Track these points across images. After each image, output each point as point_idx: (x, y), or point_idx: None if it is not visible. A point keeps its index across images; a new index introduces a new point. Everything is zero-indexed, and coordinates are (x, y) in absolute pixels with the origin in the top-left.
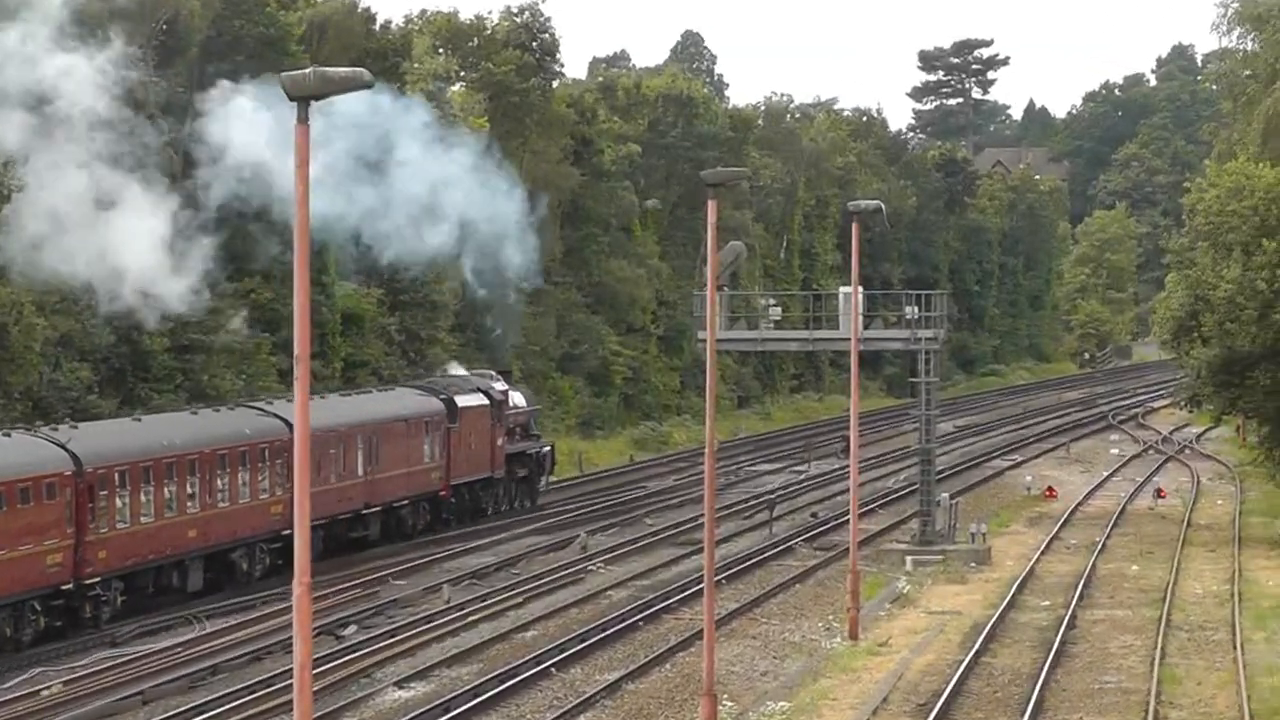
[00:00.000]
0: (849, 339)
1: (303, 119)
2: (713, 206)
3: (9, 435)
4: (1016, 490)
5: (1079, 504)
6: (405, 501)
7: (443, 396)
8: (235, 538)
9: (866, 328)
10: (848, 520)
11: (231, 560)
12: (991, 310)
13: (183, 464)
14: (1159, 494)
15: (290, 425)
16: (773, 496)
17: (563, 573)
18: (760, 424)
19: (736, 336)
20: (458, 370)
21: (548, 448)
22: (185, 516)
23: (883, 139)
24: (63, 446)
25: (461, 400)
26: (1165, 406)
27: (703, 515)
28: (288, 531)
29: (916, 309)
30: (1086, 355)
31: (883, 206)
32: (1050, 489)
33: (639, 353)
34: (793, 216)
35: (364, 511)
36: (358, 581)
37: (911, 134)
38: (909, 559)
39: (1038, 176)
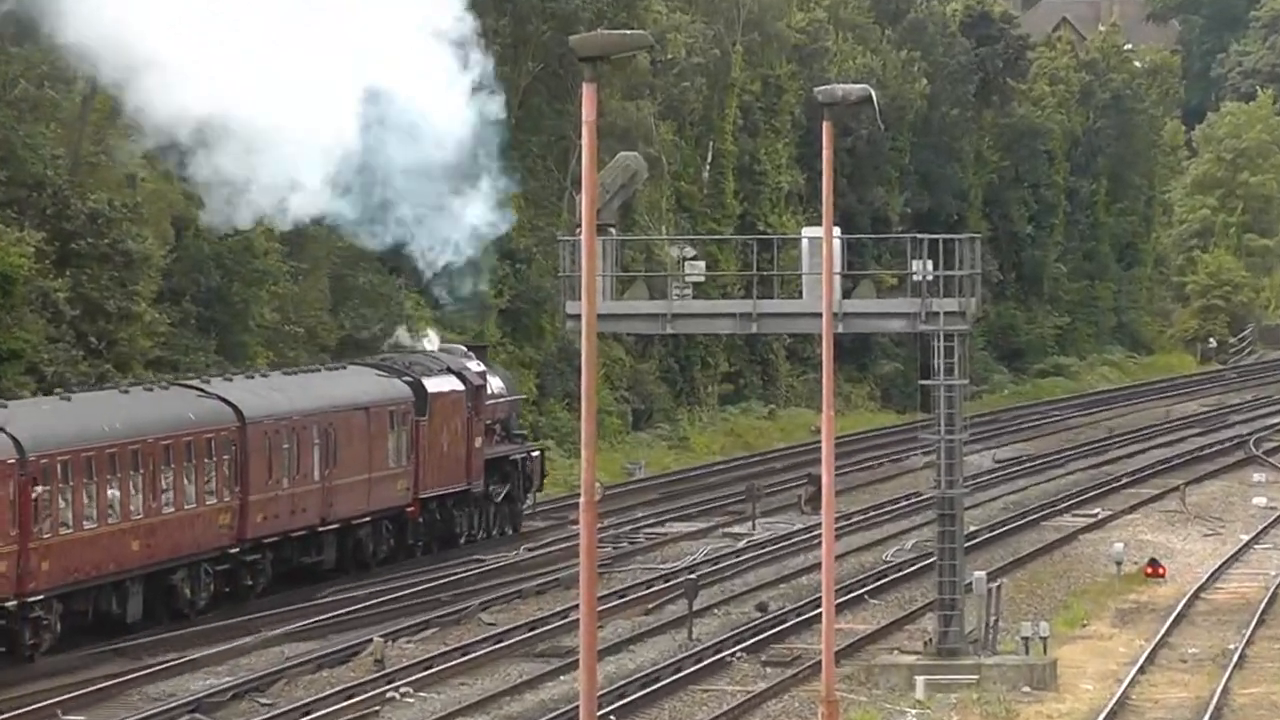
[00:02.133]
0: (817, 315)
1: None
2: (589, 95)
3: None
4: (1098, 565)
5: (1201, 587)
6: (366, 519)
7: (408, 378)
8: (177, 554)
9: (847, 296)
10: (817, 616)
11: (172, 584)
12: (1054, 268)
13: (124, 455)
14: None
15: (239, 410)
16: (693, 577)
17: (342, 704)
18: (672, 456)
19: (631, 311)
20: (430, 343)
21: (535, 453)
22: (129, 523)
23: None
24: (1, 429)
25: (431, 384)
26: None
27: (575, 607)
28: (236, 549)
29: (930, 264)
30: (1213, 342)
31: (873, 95)
32: (1154, 563)
33: (470, 337)
34: (724, 113)
35: (320, 529)
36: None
37: None
38: (920, 680)
39: (1129, 46)
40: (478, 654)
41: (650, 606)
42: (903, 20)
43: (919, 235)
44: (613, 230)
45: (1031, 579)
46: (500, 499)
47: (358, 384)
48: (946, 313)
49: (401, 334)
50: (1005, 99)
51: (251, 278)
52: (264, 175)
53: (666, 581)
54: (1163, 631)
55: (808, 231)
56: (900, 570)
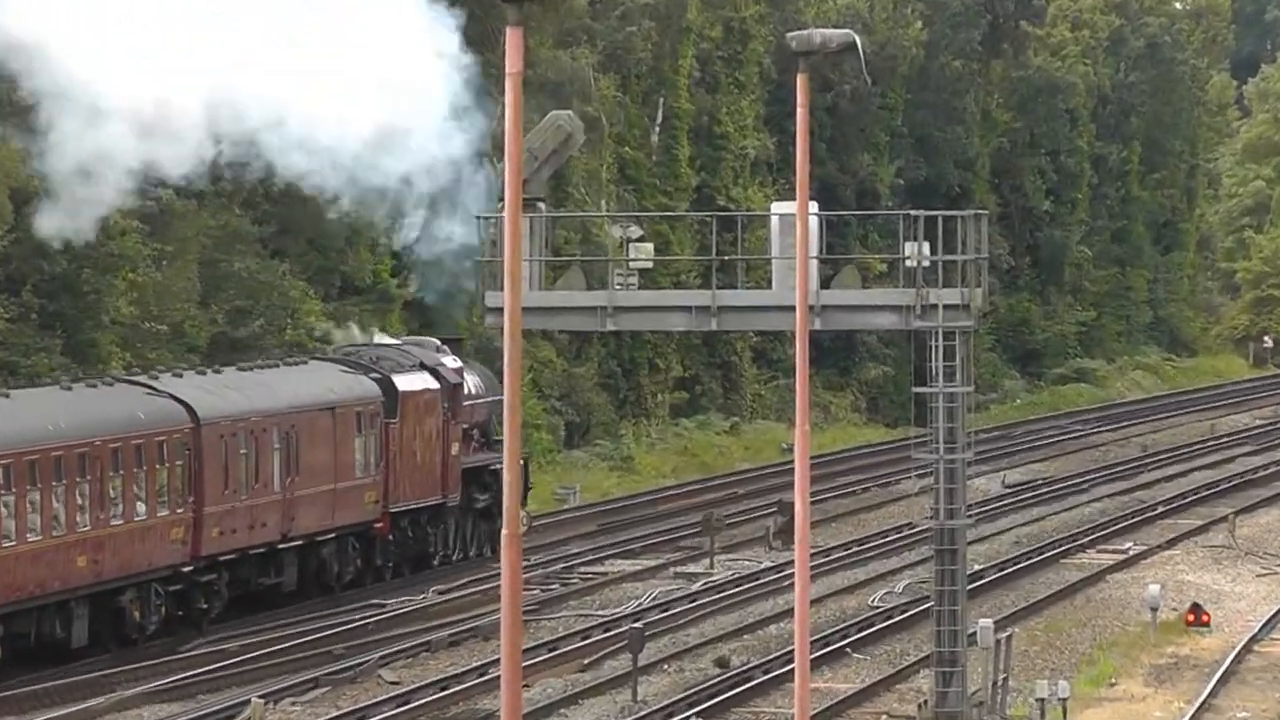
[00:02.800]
0: (790, 308)
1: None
2: (514, 41)
3: None
4: (1129, 612)
5: (1254, 638)
6: (330, 535)
7: (376, 375)
8: (126, 572)
9: (825, 285)
10: (789, 674)
11: (119, 605)
12: (1077, 252)
13: (71, 459)
14: None
15: (193, 410)
16: (639, 625)
17: None
18: (614, 479)
19: (564, 303)
20: (381, 338)
21: (519, 462)
22: (75, 536)
23: None
24: None
25: (402, 382)
26: None
27: (496, 663)
28: (190, 568)
29: (927, 247)
30: (1268, 342)
31: (858, 42)
32: (1197, 609)
33: (371, 334)
34: (677, 64)
35: (280, 546)
36: None
37: None
38: None
39: None
40: (377, 718)
41: (587, 661)
42: None
43: (913, 212)
44: (542, 205)
45: (1049, 628)
46: (477, 512)
47: (321, 381)
48: (946, 305)
49: (352, 332)
50: (1018, 47)
51: (105, 263)
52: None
53: (607, 631)
54: (1206, 692)
55: (778, 207)
56: (890, 618)
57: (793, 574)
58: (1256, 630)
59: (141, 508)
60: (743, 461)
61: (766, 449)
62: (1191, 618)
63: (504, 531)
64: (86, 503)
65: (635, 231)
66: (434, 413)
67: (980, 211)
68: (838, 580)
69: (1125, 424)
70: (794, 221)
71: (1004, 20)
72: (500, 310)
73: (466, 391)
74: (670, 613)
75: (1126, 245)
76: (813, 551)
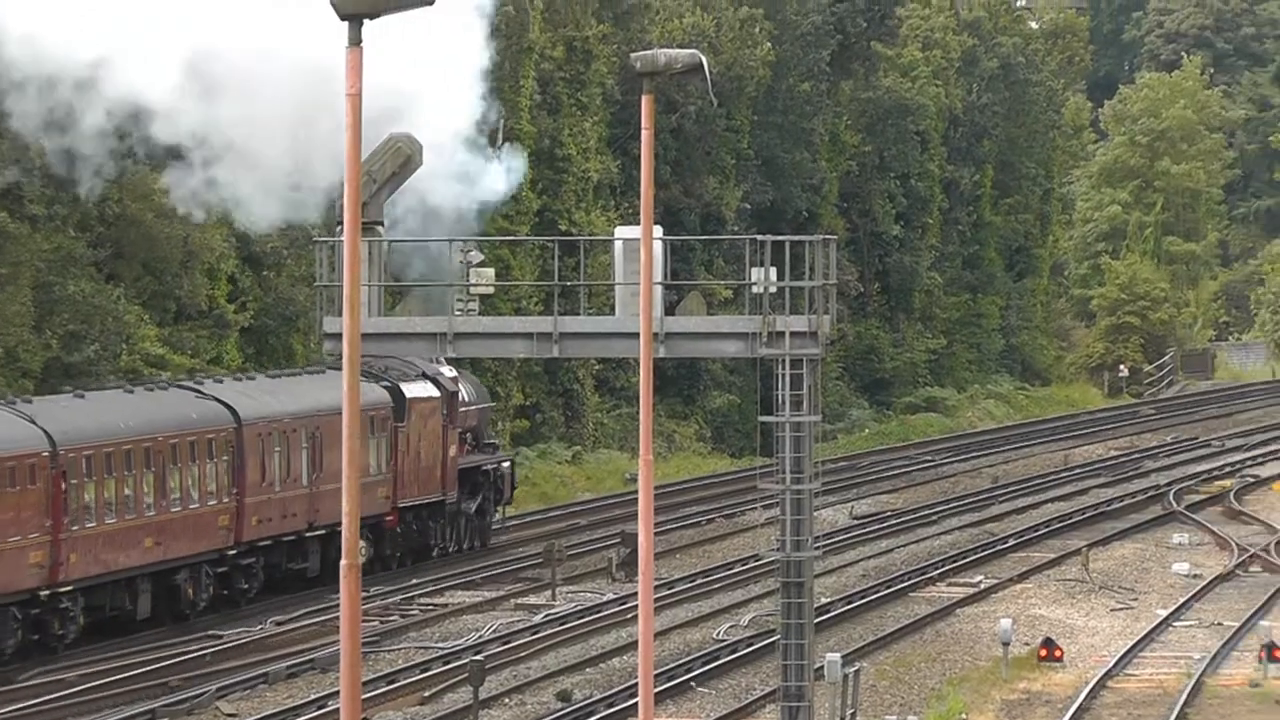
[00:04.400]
0: (634, 335)
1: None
2: (353, 61)
3: None
4: (980, 647)
5: (1108, 674)
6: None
7: (385, 383)
8: (183, 554)
9: (670, 312)
10: (632, 708)
11: (176, 584)
12: (927, 278)
13: (138, 452)
14: (1273, 655)
15: (236, 413)
16: (480, 658)
17: None
18: None
19: (403, 329)
20: None
21: (506, 463)
22: (142, 520)
23: None
24: (33, 422)
25: (409, 390)
26: None
27: (335, 694)
28: (234, 550)
29: (774, 273)
30: (1124, 371)
31: (704, 62)
32: (1050, 644)
33: (205, 361)
34: (518, 84)
35: (306, 534)
36: None
37: None
38: None
39: (1022, 3)
40: None
41: (427, 694)
42: None
43: (760, 236)
44: (381, 229)
45: (898, 663)
46: (472, 511)
47: (339, 387)
48: (793, 333)
49: None
50: (869, 68)
51: None
52: None
53: (447, 664)
54: None
55: (622, 232)
56: (735, 651)
57: (636, 606)
58: (1111, 665)
59: (195, 496)
60: (584, 491)
61: (609, 479)
62: (1044, 652)
63: (342, 563)
64: (151, 491)
65: (476, 256)
66: (435, 418)
67: (828, 236)
68: (682, 613)
69: (976, 454)
70: (638, 246)
71: (854, 40)
72: (339, 336)
73: (462, 399)
74: (512, 645)
75: (978, 271)
76: (657, 583)
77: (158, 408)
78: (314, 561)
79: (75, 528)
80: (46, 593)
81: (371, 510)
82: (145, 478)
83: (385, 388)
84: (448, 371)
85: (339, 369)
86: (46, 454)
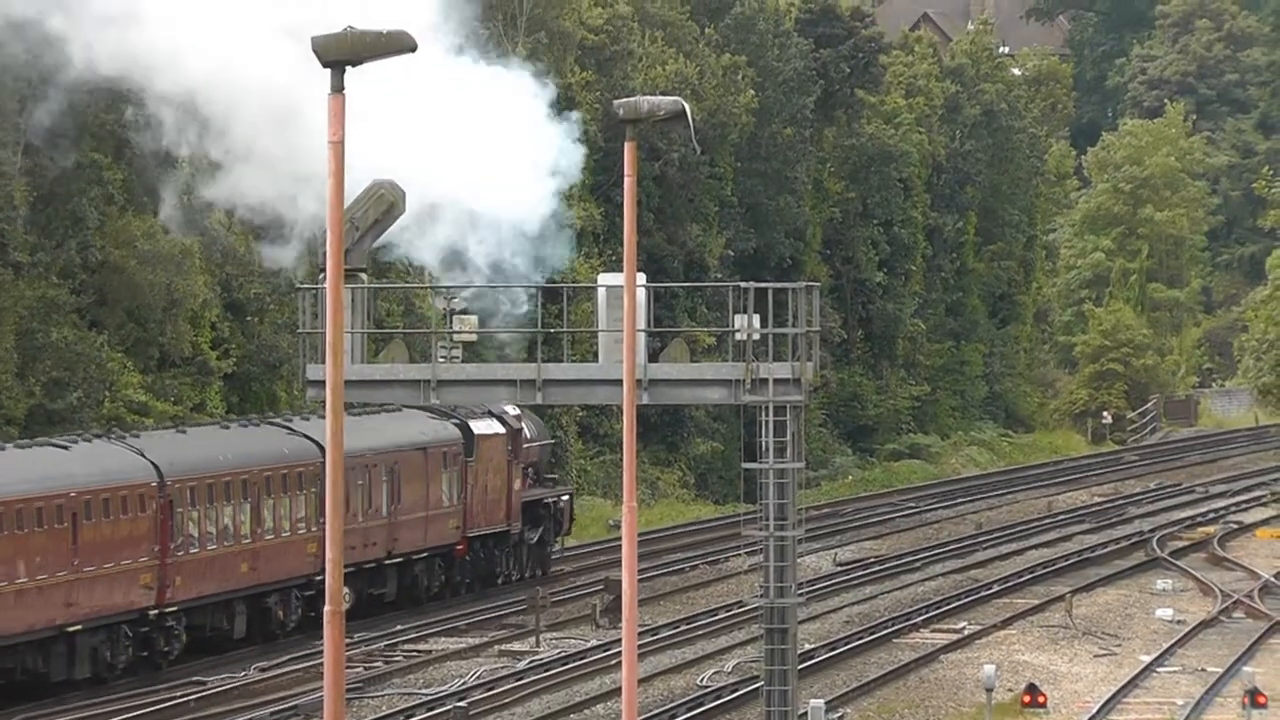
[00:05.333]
0: (617, 382)
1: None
2: (336, 108)
3: (89, 441)
4: (963, 693)
5: (1091, 719)
6: (423, 554)
7: (455, 421)
8: (275, 578)
9: (653, 359)
10: None
11: (267, 606)
12: (910, 325)
13: (236, 483)
14: (1257, 701)
15: (323, 448)
16: (464, 704)
17: None
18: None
19: (387, 376)
20: None
21: (565, 497)
22: (239, 546)
23: None
24: (142, 455)
25: (477, 427)
26: (1271, 520)
27: None
28: (319, 577)
29: (757, 320)
30: (1107, 418)
31: (687, 109)
32: (1033, 690)
33: (188, 409)
34: None
35: (385, 562)
36: None
37: None
38: None
39: (1005, 50)
40: None
41: None
42: (725, 16)
43: (743, 284)
44: (364, 277)
45: (881, 709)
46: (534, 541)
47: (414, 425)
48: (777, 380)
49: None
50: (852, 115)
51: None
52: None
53: (431, 710)
54: None
55: (605, 279)
56: (719, 698)
57: (620, 652)
58: (1094, 711)
59: (286, 525)
60: (568, 538)
61: (592, 525)
62: (1028, 699)
63: (326, 608)
64: (247, 519)
65: (459, 304)
66: (501, 454)
67: (811, 284)
68: (666, 659)
69: (960, 501)
70: (621, 293)
71: (837, 86)
72: (322, 384)
73: (525, 436)
74: (495, 692)
75: (962, 318)
76: (640, 630)
77: (252, 442)
78: (391, 587)
79: (180, 553)
80: (155, 612)
81: (443, 540)
82: (242, 507)
83: (455, 425)
84: (512, 410)
85: (414, 408)
86: (154, 484)
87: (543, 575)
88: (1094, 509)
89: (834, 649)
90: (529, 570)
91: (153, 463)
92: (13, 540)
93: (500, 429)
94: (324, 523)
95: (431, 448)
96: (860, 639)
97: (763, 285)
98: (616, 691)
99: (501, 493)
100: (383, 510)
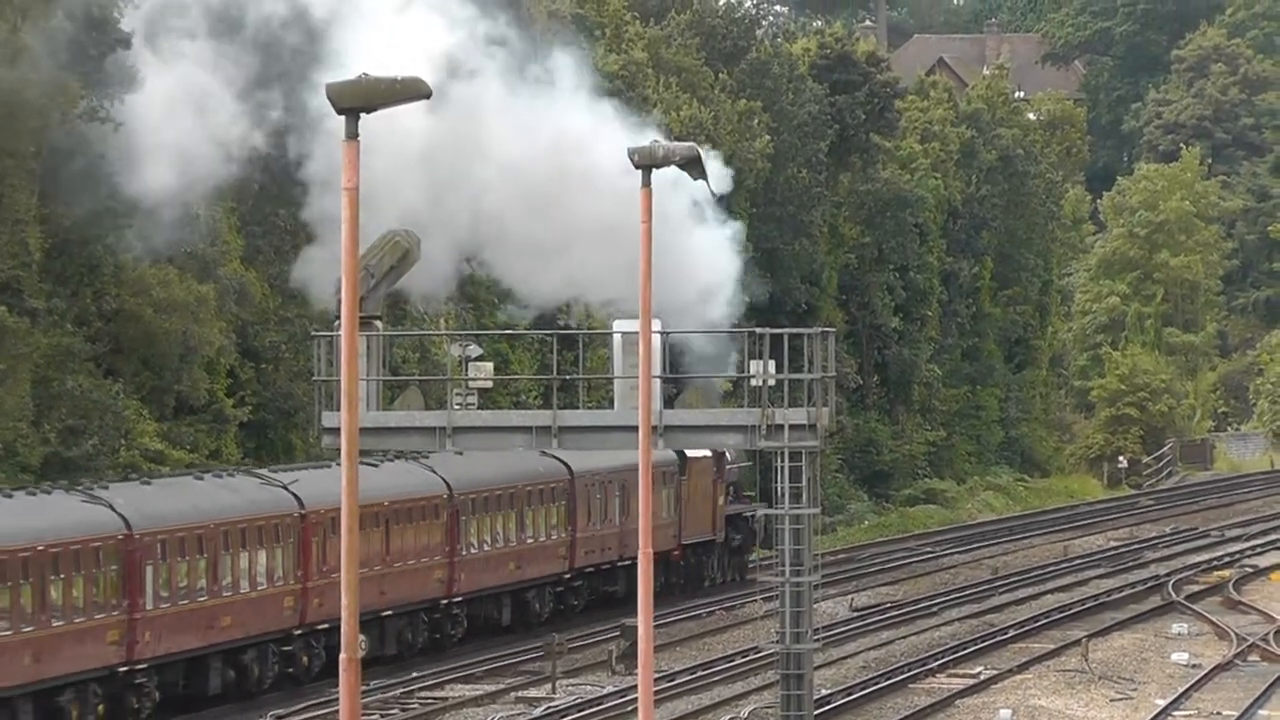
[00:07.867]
0: (633, 428)
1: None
2: (350, 155)
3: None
4: None
5: None
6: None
7: None
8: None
9: (669, 405)
10: None
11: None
12: (926, 370)
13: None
14: None
15: (450, 485)
16: None
17: None
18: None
19: (403, 423)
20: None
21: (759, 512)
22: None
23: (704, 16)
24: (432, 470)
25: (690, 450)
26: None
27: None
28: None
29: (772, 365)
30: (1123, 462)
31: (702, 155)
32: None
33: (205, 455)
34: None
35: (618, 564)
36: None
37: (762, 5)
38: None
39: (1021, 94)
40: None
41: None
42: (741, 61)
43: (758, 329)
44: (379, 324)
45: None
46: (733, 548)
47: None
48: (792, 426)
49: None
50: (867, 160)
51: None
52: None
53: None
54: None
55: (620, 325)
56: None
57: (636, 699)
58: None
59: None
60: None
61: None
62: None
63: (341, 656)
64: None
65: (474, 350)
66: (708, 474)
67: (827, 329)
68: (682, 705)
69: (976, 546)
70: (636, 340)
71: (853, 131)
72: (337, 431)
73: (727, 459)
74: None
75: (977, 363)
76: (656, 676)
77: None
78: (622, 585)
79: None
80: (300, 632)
81: (663, 546)
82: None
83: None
84: None
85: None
86: (445, 496)
87: (741, 580)
88: (1110, 553)
89: (850, 694)
90: (730, 574)
91: (443, 478)
92: None
93: (708, 452)
94: (571, 529)
95: (655, 468)
96: (876, 684)
97: (778, 331)
98: None
99: (709, 507)
100: (615, 520)
